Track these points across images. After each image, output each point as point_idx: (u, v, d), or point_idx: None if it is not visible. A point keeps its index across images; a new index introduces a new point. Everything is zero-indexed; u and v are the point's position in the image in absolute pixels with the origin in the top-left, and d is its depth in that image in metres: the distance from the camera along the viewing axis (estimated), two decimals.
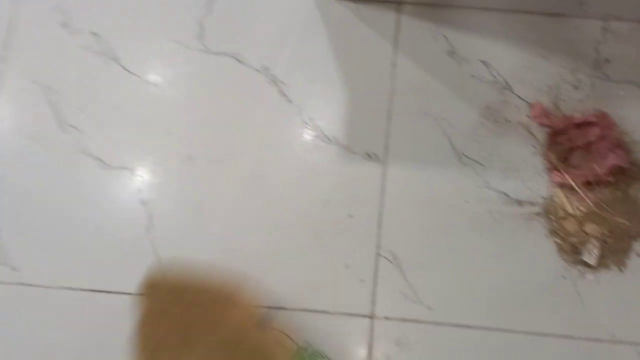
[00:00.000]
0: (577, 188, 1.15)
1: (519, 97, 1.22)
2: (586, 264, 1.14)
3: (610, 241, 1.13)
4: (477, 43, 1.25)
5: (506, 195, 1.18)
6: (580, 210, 1.15)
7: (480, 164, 1.20)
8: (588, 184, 1.15)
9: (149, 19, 1.30)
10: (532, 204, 1.17)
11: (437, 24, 1.26)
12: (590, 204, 1.15)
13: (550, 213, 1.16)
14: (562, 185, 1.17)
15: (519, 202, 1.17)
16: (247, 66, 1.27)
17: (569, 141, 1.19)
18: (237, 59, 1.27)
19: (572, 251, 1.14)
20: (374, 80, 1.24)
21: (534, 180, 1.18)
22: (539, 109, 1.20)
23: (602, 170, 1.14)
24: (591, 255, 1.12)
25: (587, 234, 1.14)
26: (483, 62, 1.24)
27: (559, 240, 1.15)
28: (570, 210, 1.15)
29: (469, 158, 1.20)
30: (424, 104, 1.23)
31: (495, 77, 1.23)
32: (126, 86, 1.27)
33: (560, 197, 1.17)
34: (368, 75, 1.24)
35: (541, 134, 1.20)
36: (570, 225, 1.15)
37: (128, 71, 1.28)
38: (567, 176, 1.15)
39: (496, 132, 1.21)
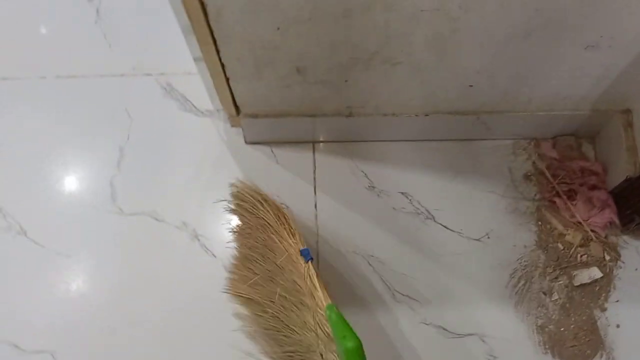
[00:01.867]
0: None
1: (442, 225, 1.23)
2: None
3: None
4: (395, 174, 1.26)
5: (444, 329, 1.16)
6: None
7: (415, 300, 1.18)
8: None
9: (58, 193, 1.25)
10: (470, 334, 1.16)
11: (353, 159, 1.27)
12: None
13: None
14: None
15: (459, 335, 1.16)
16: (166, 223, 1.22)
17: (568, 177, 1.23)
18: (154, 218, 1.22)
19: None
20: (298, 224, 1.21)
21: (469, 308, 1.17)
22: (547, 146, 1.26)
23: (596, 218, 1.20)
24: None
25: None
26: (403, 193, 1.25)
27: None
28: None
29: (402, 294, 1.18)
30: (350, 242, 1.21)
31: (417, 207, 1.23)
32: (34, 259, 1.19)
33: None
34: None
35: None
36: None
37: (36, 243, 1.20)
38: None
39: (425, 265, 1.20)
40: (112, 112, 1.32)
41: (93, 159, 1.28)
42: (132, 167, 1.26)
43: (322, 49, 0.96)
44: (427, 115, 1.18)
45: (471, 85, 1.09)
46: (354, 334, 0.87)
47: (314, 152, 1.28)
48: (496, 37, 0.94)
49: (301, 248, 1.02)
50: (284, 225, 1.06)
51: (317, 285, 0.97)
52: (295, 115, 1.17)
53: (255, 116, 1.17)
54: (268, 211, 1.09)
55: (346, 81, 1.06)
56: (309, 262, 1.00)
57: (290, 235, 1.05)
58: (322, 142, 1.28)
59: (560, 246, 1.22)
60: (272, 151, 1.28)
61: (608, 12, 0.89)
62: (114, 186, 1.25)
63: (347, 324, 0.90)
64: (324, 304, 0.95)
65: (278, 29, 0.90)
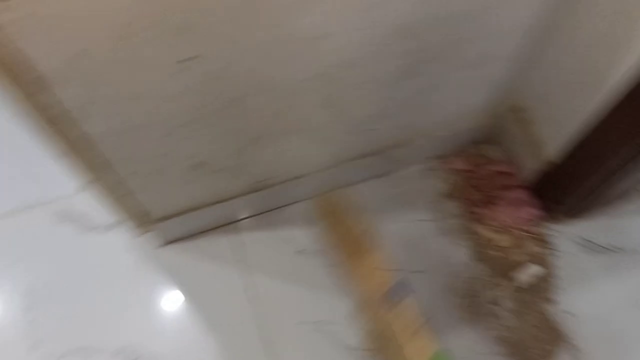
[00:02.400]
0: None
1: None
2: None
3: None
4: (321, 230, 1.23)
5: None
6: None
7: (371, 349, 1.16)
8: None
9: None
10: None
11: (277, 227, 1.24)
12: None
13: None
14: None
15: None
16: (103, 352, 1.15)
17: (485, 185, 1.25)
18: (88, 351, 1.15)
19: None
20: (234, 316, 1.17)
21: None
22: (457, 161, 1.27)
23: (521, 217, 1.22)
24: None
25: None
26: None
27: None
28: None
29: (359, 349, 1.16)
30: (293, 314, 1.18)
31: None
32: None
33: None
34: (226, 314, 1.17)
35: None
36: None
37: None
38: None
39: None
40: (9, 254, 1.23)
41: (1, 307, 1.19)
42: (48, 306, 1.18)
43: (214, 141, 0.93)
44: (336, 166, 1.16)
45: (371, 129, 1.08)
46: None
47: (237, 231, 1.23)
48: (382, 84, 0.94)
49: None
50: None
51: None
52: (207, 205, 1.13)
53: (166, 218, 1.12)
54: None
55: (247, 162, 1.02)
56: None
57: None
58: (243, 219, 1.24)
59: (495, 253, 1.22)
60: (193, 244, 1.23)
61: (478, 32, 0.89)
62: (33, 331, 1.16)
63: None
64: None
65: (167, 135, 0.86)
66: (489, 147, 1.29)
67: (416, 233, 1.24)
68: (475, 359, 1.15)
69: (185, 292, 1.19)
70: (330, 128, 1.03)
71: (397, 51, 0.87)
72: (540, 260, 1.22)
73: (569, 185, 1.11)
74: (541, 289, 1.21)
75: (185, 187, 1.04)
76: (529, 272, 1.21)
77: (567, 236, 1.24)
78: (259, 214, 1.24)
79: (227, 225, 1.24)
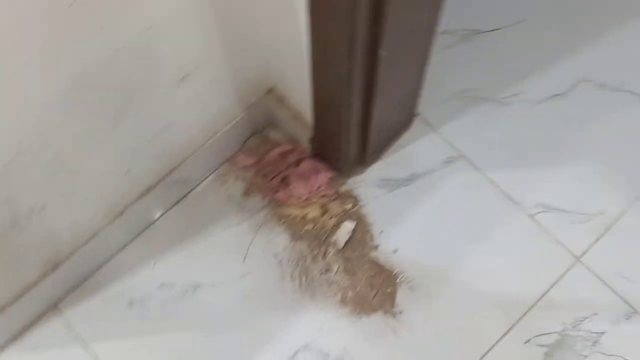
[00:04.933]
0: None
1: (210, 285, 1.23)
2: None
3: None
4: (144, 277, 1.24)
5: None
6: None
7: None
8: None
9: None
10: (297, 352, 1.18)
11: (99, 292, 1.23)
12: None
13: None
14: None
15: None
16: None
17: (275, 170, 1.28)
18: None
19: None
20: None
21: (280, 331, 1.19)
22: (242, 157, 1.29)
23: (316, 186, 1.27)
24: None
25: None
26: (162, 285, 1.23)
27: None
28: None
29: None
30: None
31: (182, 287, 1.23)
32: None
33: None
34: None
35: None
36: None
37: None
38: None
39: (223, 334, 1.20)
40: None
41: None
42: None
43: None
44: (121, 214, 1.17)
45: (128, 170, 1.09)
46: None
47: (60, 313, 1.22)
48: (101, 133, 0.95)
49: None
50: None
51: None
52: (10, 303, 1.11)
53: None
54: None
55: (16, 249, 1.01)
56: None
57: None
58: (61, 300, 1.22)
59: (309, 226, 1.27)
60: (21, 344, 1.20)
61: (162, 52, 0.92)
62: None
63: None
64: None
65: None
66: (269, 132, 1.34)
67: (231, 240, 1.26)
68: (327, 327, 1.19)
69: None
70: (82, 188, 1.03)
71: (90, 99, 0.88)
72: (351, 216, 1.28)
73: (334, 140, 1.17)
74: (361, 241, 1.26)
75: None
76: (345, 231, 1.26)
77: (365, 184, 1.30)
78: (74, 289, 1.23)
79: (49, 310, 1.22)
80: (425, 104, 1.30)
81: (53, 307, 1.22)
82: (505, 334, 1.18)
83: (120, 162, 1.05)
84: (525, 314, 1.19)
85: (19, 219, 0.96)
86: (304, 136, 1.24)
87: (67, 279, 1.20)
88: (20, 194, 0.92)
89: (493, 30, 1.44)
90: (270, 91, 1.24)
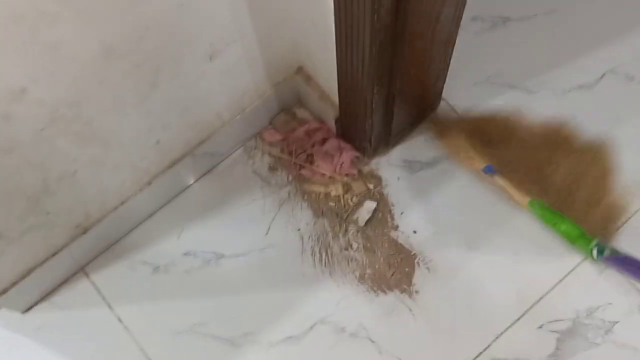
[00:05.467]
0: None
1: (234, 255, 1.27)
2: None
3: None
4: (170, 244, 1.28)
5: (291, 337, 1.21)
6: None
7: (255, 332, 1.21)
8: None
9: None
10: (313, 325, 1.21)
11: (125, 256, 1.28)
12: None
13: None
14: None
15: (305, 331, 1.21)
16: None
17: (300, 147, 1.32)
18: None
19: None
20: (117, 348, 1.21)
21: (301, 304, 1.23)
22: (269, 133, 1.33)
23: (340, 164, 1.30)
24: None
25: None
26: (186, 254, 1.27)
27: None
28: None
29: (242, 335, 1.21)
30: (168, 327, 1.22)
31: (204, 256, 1.27)
32: None
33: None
34: (109, 349, 1.21)
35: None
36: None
37: None
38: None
39: (242, 299, 1.24)
40: None
41: None
42: None
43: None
44: (150, 183, 1.20)
45: (158, 141, 1.12)
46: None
47: (87, 276, 1.26)
48: (131, 103, 0.98)
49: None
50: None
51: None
52: (40, 264, 1.15)
53: (4, 292, 1.14)
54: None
55: (48, 213, 1.05)
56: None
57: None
58: (89, 263, 1.27)
59: (332, 204, 1.30)
60: (49, 304, 1.25)
61: (192, 26, 0.95)
62: None
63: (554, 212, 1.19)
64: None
65: None
66: (296, 110, 1.36)
67: (256, 213, 1.29)
68: (344, 302, 1.23)
69: (63, 348, 1.22)
70: (115, 155, 1.06)
71: (123, 71, 0.91)
72: (372, 196, 1.30)
73: (359, 122, 1.19)
74: (382, 220, 1.29)
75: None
76: (366, 209, 1.29)
77: (389, 165, 1.32)
78: (101, 254, 1.27)
79: (77, 272, 1.26)
80: (451, 89, 1.31)
81: (80, 269, 1.26)
82: (519, 318, 1.20)
83: (150, 133, 1.09)
84: (539, 300, 1.21)
85: (50, 184, 1.00)
86: (330, 116, 1.26)
87: (95, 244, 1.24)
88: (53, 160, 0.96)
89: (523, 18, 1.44)
90: (299, 70, 1.26)
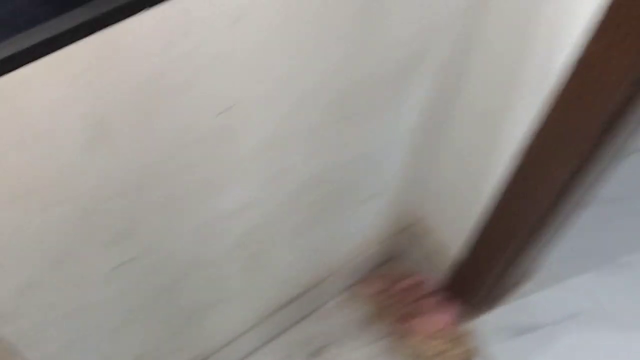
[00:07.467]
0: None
1: None
2: None
3: None
4: None
5: None
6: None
7: None
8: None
9: None
10: None
11: None
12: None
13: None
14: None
15: None
16: None
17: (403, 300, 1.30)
18: None
19: None
20: None
21: None
22: (374, 282, 1.32)
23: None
24: None
25: None
26: None
27: None
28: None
29: None
30: None
31: None
32: None
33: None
34: None
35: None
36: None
37: None
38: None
39: None
40: None
41: None
42: None
43: (149, 333, 0.92)
44: (258, 324, 1.18)
45: (288, 277, 1.12)
46: None
47: None
48: (294, 233, 0.99)
49: None
50: None
51: None
52: None
53: None
54: None
55: (178, 344, 1.02)
56: None
57: None
58: None
59: None
60: None
61: (366, 170, 0.99)
62: None
63: None
64: None
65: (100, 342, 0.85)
66: (399, 262, 1.37)
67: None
68: None
69: None
70: (251, 287, 1.06)
71: (305, 202, 0.94)
72: (474, 354, 1.28)
73: (477, 279, 1.20)
74: None
75: None
76: None
77: (490, 325, 1.32)
78: None
79: None
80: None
81: None
82: None
83: (287, 268, 1.09)
84: None
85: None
86: (437, 269, 1.28)
87: None
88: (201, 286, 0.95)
89: None
90: (414, 224, 1.29)
